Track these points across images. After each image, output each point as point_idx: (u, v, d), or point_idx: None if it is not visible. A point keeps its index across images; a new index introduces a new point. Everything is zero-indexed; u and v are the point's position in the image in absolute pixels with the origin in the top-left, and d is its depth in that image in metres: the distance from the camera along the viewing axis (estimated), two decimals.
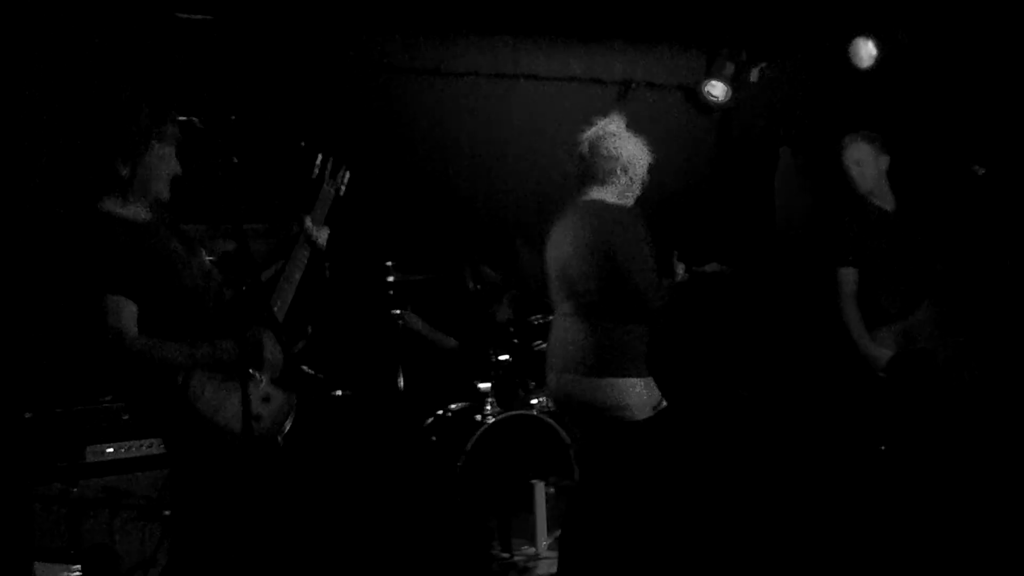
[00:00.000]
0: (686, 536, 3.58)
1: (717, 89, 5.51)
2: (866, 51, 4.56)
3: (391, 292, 4.56)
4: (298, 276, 3.38)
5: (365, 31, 4.98)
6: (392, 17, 4.91)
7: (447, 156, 5.24)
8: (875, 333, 4.08)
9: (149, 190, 3.09)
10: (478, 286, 4.66)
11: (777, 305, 5.43)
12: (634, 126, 5.45)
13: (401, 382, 4.54)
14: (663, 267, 3.53)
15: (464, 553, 4.08)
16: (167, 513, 3.57)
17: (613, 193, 3.51)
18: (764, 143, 5.78)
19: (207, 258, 3.41)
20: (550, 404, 4.29)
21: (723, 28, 5.42)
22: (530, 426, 4.23)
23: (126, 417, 3.73)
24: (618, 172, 3.52)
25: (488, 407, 4.30)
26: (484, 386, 4.41)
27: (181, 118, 3.91)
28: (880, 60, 4.59)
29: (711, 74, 5.53)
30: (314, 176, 3.47)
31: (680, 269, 3.60)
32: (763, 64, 5.53)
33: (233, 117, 3.83)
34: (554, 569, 3.68)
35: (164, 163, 3.09)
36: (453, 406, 4.50)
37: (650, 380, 3.36)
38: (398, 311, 4.57)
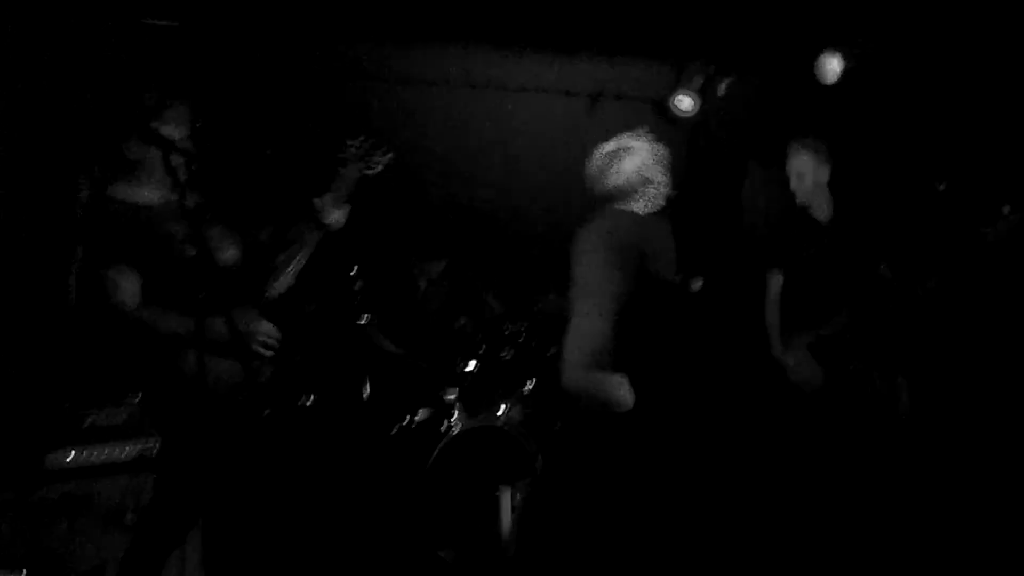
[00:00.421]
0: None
1: (685, 102, 5.55)
2: (831, 67, 4.62)
3: (356, 299, 4.57)
4: (302, 256, 3.41)
5: (335, 39, 4.98)
6: (363, 25, 4.91)
7: (418, 164, 5.24)
8: (790, 338, 4.17)
9: (155, 172, 3.13)
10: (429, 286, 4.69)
11: (742, 309, 5.48)
12: (603, 137, 5.54)
13: (367, 390, 4.53)
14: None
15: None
16: (130, 517, 3.55)
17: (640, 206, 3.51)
18: (732, 155, 5.84)
19: (225, 241, 3.46)
20: (515, 413, 4.30)
21: (692, 42, 5.46)
22: (495, 437, 4.23)
23: (87, 423, 3.71)
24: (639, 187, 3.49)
25: (455, 415, 4.30)
26: (450, 396, 4.41)
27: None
28: (845, 75, 4.65)
29: (680, 87, 5.57)
30: (344, 159, 3.48)
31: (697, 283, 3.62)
32: (731, 78, 5.58)
33: (198, 124, 3.84)
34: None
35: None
36: (419, 415, 4.49)
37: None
38: (363, 318, 4.57)
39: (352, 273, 4.54)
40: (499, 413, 4.38)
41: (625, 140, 3.61)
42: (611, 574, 2.20)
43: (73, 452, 3.51)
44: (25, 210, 3.94)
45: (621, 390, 3.26)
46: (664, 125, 5.77)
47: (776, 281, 4.29)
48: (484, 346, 4.57)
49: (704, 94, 5.56)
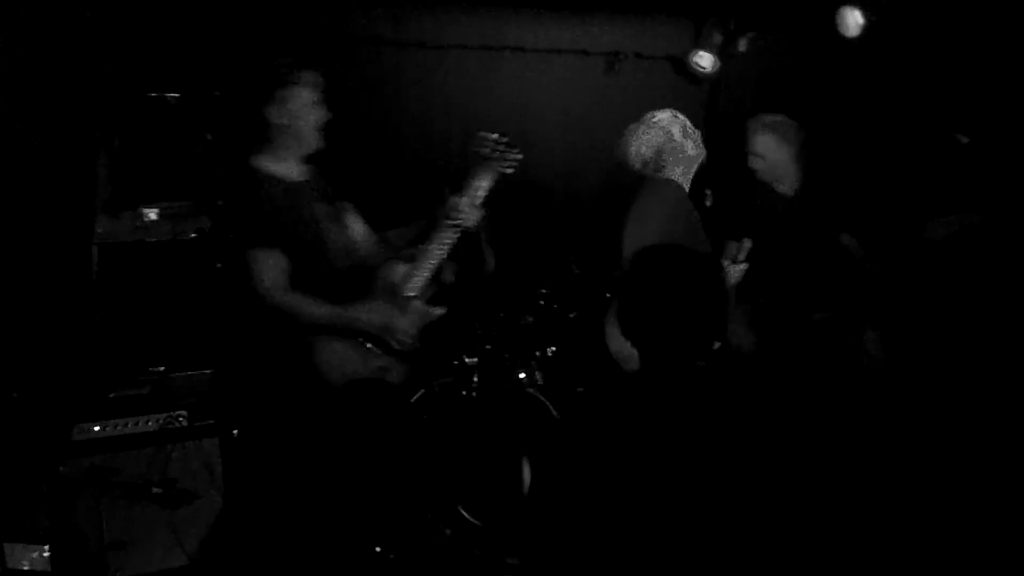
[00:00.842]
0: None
1: (705, 60, 5.45)
2: (853, 19, 4.51)
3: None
4: (436, 256, 3.38)
5: (350, 3, 4.93)
6: None
7: (433, 130, 5.20)
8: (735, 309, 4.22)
9: (301, 139, 3.16)
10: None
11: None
12: (621, 97, 5.49)
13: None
14: None
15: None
16: (157, 491, 3.59)
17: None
18: (753, 113, 5.75)
19: (357, 223, 3.48)
20: (537, 378, 4.29)
21: None
22: (517, 401, 4.23)
23: (112, 395, 3.75)
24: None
25: (475, 382, 4.29)
26: (471, 360, 4.39)
27: (166, 95, 3.92)
28: (867, 28, 4.54)
29: (699, 44, 5.47)
30: (481, 156, 3.42)
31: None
32: (751, 34, 5.47)
33: (217, 93, 3.82)
34: None
35: (310, 110, 3.20)
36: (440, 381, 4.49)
37: None
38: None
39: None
40: (521, 377, 4.38)
41: (648, 115, 3.70)
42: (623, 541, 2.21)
43: (98, 426, 3.57)
44: (44, 185, 3.94)
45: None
46: (684, 84, 5.69)
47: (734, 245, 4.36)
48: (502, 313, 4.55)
49: (724, 51, 5.46)
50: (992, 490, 3.65)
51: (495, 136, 3.40)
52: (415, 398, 4.12)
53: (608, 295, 4.47)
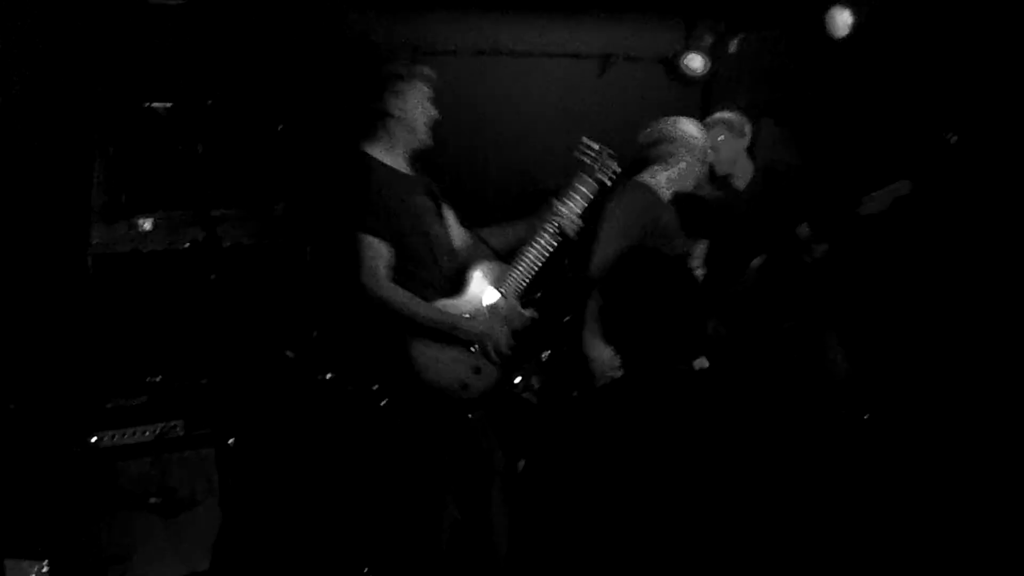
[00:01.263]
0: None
1: (696, 61, 5.47)
2: (842, 20, 4.55)
3: None
4: (534, 260, 3.37)
5: (341, 8, 4.93)
6: None
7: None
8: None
9: (415, 133, 3.23)
10: None
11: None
12: (615, 100, 5.50)
13: None
14: None
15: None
16: (155, 500, 3.59)
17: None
18: (746, 114, 5.77)
19: (456, 224, 3.54)
20: (533, 382, 4.29)
21: None
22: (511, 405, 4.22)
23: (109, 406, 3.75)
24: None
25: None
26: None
27: (155, 104, 3.92)
28: (856, 28, 4.57)
29: (690, 46, 5.50)
30: (583, 164, 3.43)
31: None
32: (742, 35, 5.49)
33: (210, 101, 3.82)
34: None
35: (425, 105, 3.26)
36: None
37: None
38: None
39: None
40: (516, 381, 4.38)
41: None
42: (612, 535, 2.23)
43: (95, 436, 3.58)
44: (39, 193, 3.95)
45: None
46: (676, 86, 5.71)
47: (699, 248, 4.42)
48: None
49: (715, 53, 5.48)
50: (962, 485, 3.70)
51: (597, 146, 3.41)
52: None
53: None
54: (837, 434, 4.10)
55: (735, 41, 5.49)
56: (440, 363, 3.15)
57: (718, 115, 4.61)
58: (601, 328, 3.14)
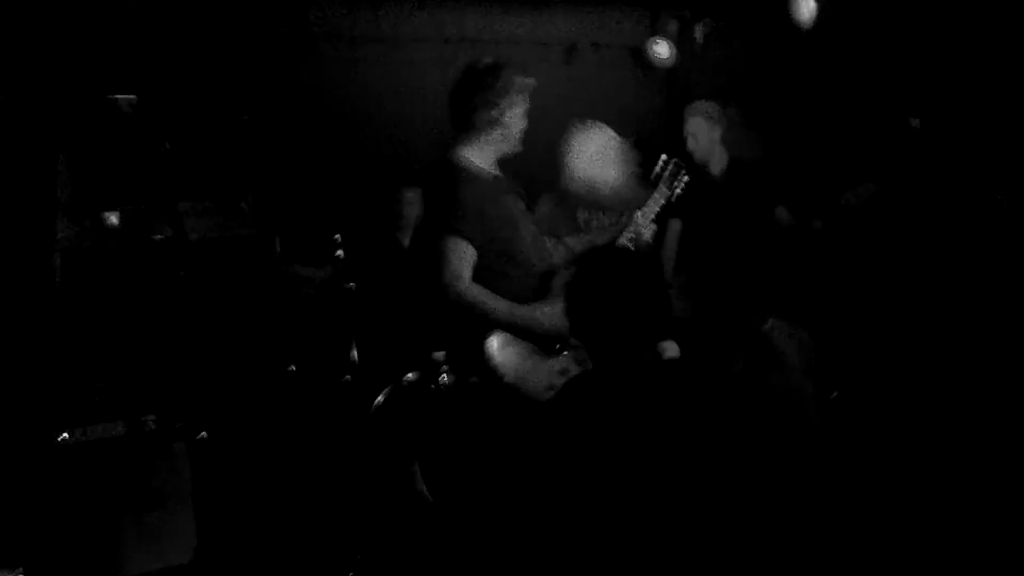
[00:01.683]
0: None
1: (662, 48, 5.50)
2: (806, 6, 4.59)
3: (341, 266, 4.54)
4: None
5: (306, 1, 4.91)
6: None
7: (394, 124, 5.19)
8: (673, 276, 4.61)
9: (509, 138, 3.28)
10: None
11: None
12: (581, 88, 5.51)
13: (355, 354, 4.53)
14: None
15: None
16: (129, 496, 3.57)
17: None
18: (712, 101, 5.81)
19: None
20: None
21: None
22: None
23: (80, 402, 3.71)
24: None
25: (444, 377, 4.30)
26: (438, 354, 4.40)
27: (119, 97, 3.88)
28: (820, 15, 4.63)
29: (655, 33, 5.52)
30: (653, 176, 3.64)
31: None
32: (707, 21, 5.53)
33: (173, 94, 3.79)
34: None
35: (523, 113, 3.32)
36: (408, 376, 4.48)
37: None
38: (350, 284, 4.55)
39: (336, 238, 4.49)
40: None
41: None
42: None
43: (67, 433, 3.55)
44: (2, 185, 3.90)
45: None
46: (642, 73, 5.73)
47: (674, 226, 4.68)
48: None
49: (681, 40, 5.51)
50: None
51: (675, 160, 3.61)
52: (381, 397, 4.13)
53: None
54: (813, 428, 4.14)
55: (700, 28, 5.52)
56: (520, 364, 3.18)
57: (698, 104, 4.73)
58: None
